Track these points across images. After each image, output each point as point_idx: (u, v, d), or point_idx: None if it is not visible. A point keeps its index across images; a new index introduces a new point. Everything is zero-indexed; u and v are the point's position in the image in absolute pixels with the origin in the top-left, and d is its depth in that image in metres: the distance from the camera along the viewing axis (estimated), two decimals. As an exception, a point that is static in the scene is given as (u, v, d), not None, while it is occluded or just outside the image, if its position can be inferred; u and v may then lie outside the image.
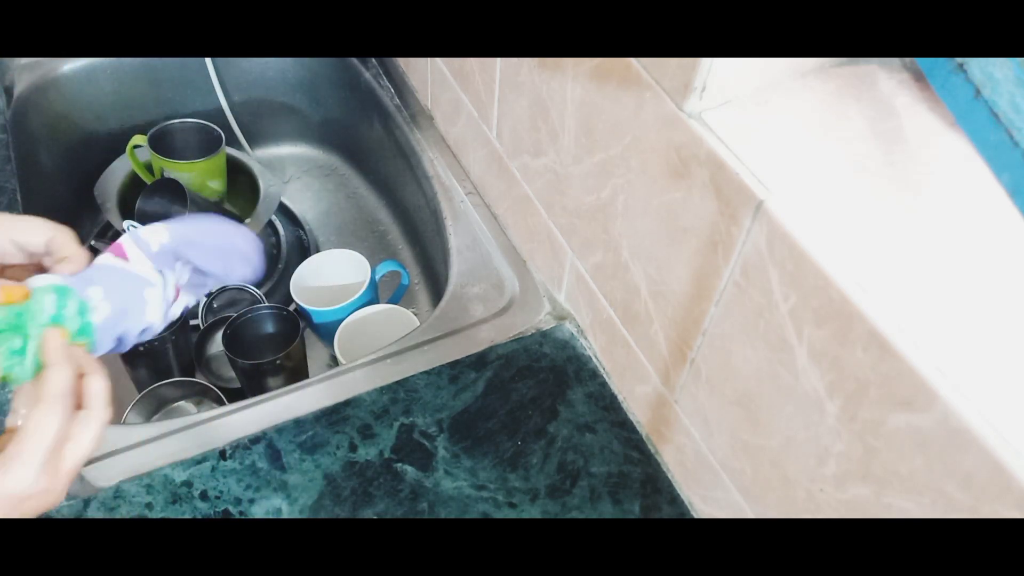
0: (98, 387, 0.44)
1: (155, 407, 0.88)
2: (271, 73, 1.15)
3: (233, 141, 1.14)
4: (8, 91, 0.98)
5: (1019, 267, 0.44)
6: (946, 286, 0.43)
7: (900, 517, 0.45)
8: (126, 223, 0.92)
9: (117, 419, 0.88)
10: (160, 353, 0.87)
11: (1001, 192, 0.42)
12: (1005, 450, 0.37)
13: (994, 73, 0.42)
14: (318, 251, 1.07)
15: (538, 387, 0.73)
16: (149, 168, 1.02)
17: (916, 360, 0.41)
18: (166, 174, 0.99)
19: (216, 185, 1.03)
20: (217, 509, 0.64)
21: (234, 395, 0.86)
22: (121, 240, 0.49)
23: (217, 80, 1.09)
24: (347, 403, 0.71)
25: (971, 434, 0.38)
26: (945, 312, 0.42)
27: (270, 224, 1.08)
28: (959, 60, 0.44)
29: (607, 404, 0.73)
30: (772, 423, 0.53)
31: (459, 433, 0.70)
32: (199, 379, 0.90)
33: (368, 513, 0.65)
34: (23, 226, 0.46)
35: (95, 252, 0.48)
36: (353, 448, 0.68)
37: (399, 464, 0.67)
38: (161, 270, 0.49)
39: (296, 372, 0.88)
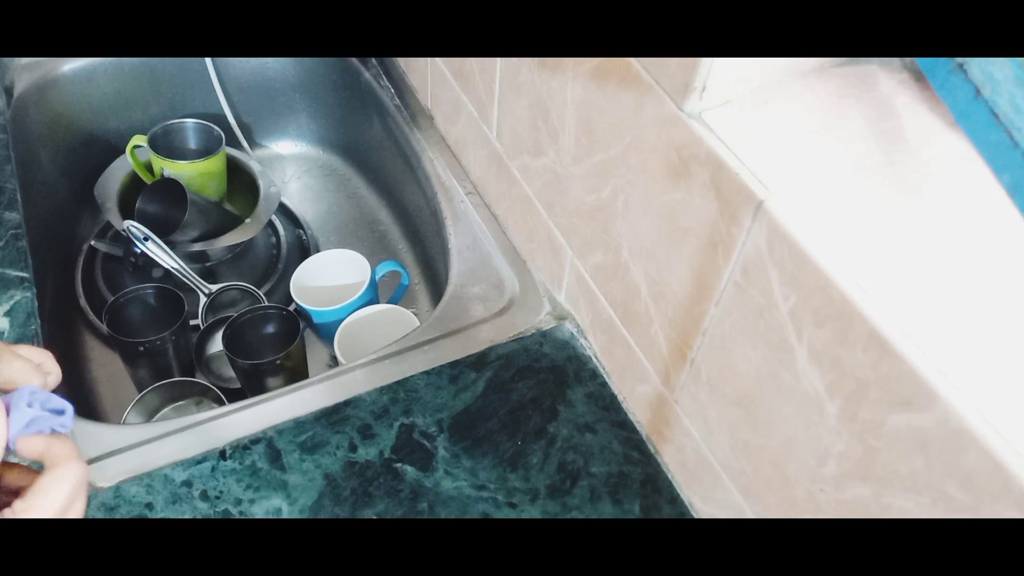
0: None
1: (155, 407, 0.88)
2: (271, 73, 1.15)
3: (233, 141, 1.14)
4: (8, 91, 0.98)
5: (1019, 267, 0.44)
6: (946, 286, 0.43)
7: (900, 517, 0.45)
8: (126, 223, 0.92)
9: (117, 419, 0.88)
10: (160, 353, 0.87)
11: (1001, 192, 0.42)
12: (1005, 450, 0.37)
13: (994, 73, 0.42)
14: (318, 251, 1.07)
15: (538, 387, 0.73)
16: (149, 168, 1.02)
17: (916, 360, 0.41)
18: (166, 174, 0.99)
19: (216, 185, 1.03)
20: (217, 509, 0.64)
21: (234, 395, 0.86)
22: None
23: (217, 80, 1.09)
24: (347, 403, 0.71)
25: (971, 434, 0.38)
26: (945, 312, 0.42)
27: (270, 224, 1.08)
28: (959, 60, 0.44)
29: (607, 404, 0.73)
30: (772, 423, 0.53)
31: (459, 433, 0.70)
32: (199, 379, 0.90)
33: (368, 513, 0.65)
34: None
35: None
36: (353, 448, 0.68)
37: (399, 464, 0.67)
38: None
39: (296, 372, 0.88)
